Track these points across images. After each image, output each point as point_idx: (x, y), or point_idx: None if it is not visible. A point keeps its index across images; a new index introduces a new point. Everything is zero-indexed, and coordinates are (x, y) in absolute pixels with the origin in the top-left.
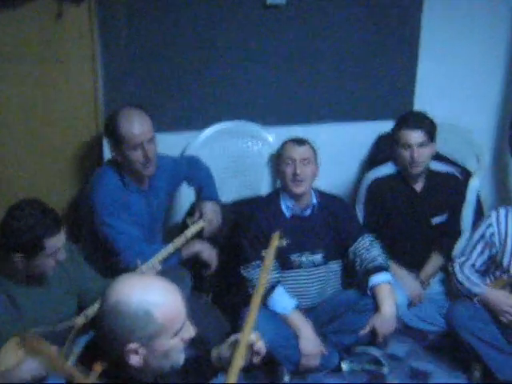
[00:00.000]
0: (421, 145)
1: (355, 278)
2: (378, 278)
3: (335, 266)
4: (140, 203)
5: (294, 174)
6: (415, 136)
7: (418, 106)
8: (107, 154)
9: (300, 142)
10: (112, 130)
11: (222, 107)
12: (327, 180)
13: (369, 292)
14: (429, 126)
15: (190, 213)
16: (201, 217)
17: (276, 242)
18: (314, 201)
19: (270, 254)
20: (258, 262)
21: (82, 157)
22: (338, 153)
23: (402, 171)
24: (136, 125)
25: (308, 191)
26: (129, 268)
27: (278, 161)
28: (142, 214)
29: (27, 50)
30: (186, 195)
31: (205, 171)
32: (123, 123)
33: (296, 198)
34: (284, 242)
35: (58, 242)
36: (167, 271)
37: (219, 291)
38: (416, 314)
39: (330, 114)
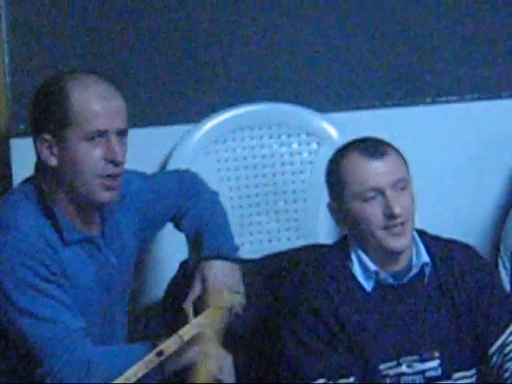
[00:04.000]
0: None
1: None
2: None
3: (465, 381)
4: (85, 264)
5: (390, 216)
6: None
7: None
8: (20, 171)
9: (379, 149)
10: (52, 100)
11: (237, 81)
12: (438, 212)
13: None
14: None
15: (180, 282)
16: (203, 292)
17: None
18: (425, 258)
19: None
20: (322, 383)
21: None
22: (462, 160)
23: None
24: (100, 96)
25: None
26: None
27: (336, 193)
28: (89, 283)
29: None
30: (171, 246)
31: (207, 200)
32: (77, 91)
33: (392, 256)
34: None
35: None
36: None
37: None
38: None
39: (445, 86)
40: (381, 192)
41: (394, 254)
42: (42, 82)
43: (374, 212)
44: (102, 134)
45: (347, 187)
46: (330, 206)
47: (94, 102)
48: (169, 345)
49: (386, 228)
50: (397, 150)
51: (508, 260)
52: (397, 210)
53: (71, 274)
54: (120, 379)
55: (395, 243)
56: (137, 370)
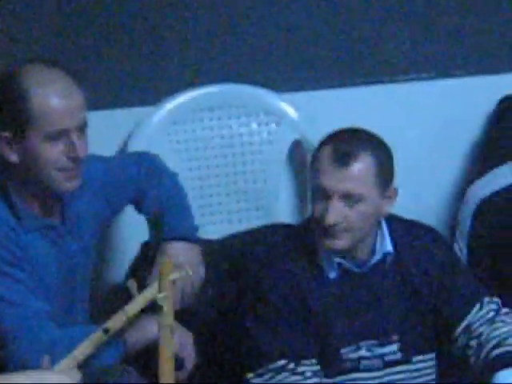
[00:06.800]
0: None
1: (466, 376)
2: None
3: (424, 364)
4: (46, 250)
5: (324, 224)
6: None
7: None
8: None
9: (348, 155)
10: (10, 98)
11: (196, 62)
12: (399, 191)
13: None
14: None
15: (140, 265)
16: None
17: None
18: (389, 247)
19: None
20: (283, 363)
21: None
22: (419, 140)
23: None
24: (60, 95)
25: (357, 243)
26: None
27: (310, 174)
28: (50, 269)
29: None
30: (132, 228)
31: (167, 182)
32: (34, 89)
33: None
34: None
35: None
36: (99, 376)
37: None
38: None
39: (402, 65)
40: (325, 197)
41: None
42: (2, 72)
43: (316, 210)
44: (63, 132)
45: (310, 175)
46: None
47: (54, 101)
48: (114, 321)
49: (320, 230)
50: (370, 161)
51: (464, 244)
52: (330, 218)
53: (33, 259)
54: (67, 358)
55: (329, 244)
56: (84, 348)
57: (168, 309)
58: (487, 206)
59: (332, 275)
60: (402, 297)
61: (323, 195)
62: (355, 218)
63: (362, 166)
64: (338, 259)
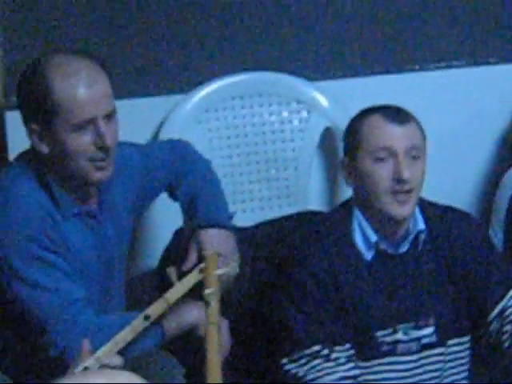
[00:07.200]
0: None
1: (499, 361)
2: None
3: (459, 347)
4: (84, 236)
5: (398, 180)
6: None
7: None
8: (16, 144)
9: (400, 116)
10: (36, 91)
11: (227, 50)
12: (434, 178)
13: None
14: None
15: (175, 250)
16: (199, 260)
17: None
18: (421, 225)
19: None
20: (317, 349)
21: None
22: (453, 127)
23: None
24: (85, 84)
25: (412, 212)
26: (64, 359)
27: (350, 150)
28: (88, 255)
29: None
30: (166, 214)
31: (201, 169)
32: (59, 80)
33: (393, 224)
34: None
35: None
36: (139, 364)
37: None
38: None
39: (433, 53)
40: (394, 155)
41: (394, 222)
42: (24, 70)
43: (383, 174)
44: (90, 121)
45: (362, 145)
46: (342, 162)
47: (78, 91)
48: (155, 308)
49: (392, 193)
50: (418, 122)
51: (500, 230)
52: (406, 175)
53: (71, 245)
54: (109, 343)
55: (398, 210)
56: (125, 335)
57: (215, 305)
58: None
59: (368, 256)
60: (437, 279)
61: (389, 155)
62: (418, 174)
63: (415, 123)
64: (375, 238)
